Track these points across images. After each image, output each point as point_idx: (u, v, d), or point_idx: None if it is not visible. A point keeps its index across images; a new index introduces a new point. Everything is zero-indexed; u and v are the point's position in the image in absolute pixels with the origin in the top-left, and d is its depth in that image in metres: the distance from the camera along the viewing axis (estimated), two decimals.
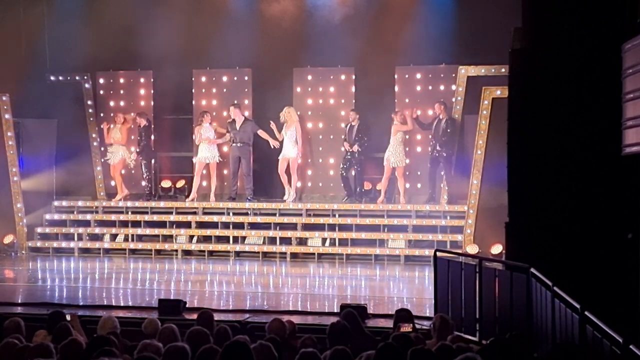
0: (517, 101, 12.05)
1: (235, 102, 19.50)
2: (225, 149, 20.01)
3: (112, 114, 20.51)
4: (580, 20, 11.38)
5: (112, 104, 20.84)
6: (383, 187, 18.87)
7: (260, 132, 19.23)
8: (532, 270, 9.86)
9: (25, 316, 10.07)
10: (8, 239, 18.67)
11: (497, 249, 16.51)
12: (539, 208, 11.60)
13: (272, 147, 19.20)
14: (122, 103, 20.79)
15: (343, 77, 19.77)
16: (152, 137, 20.11)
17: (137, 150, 19.86)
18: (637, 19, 10.37)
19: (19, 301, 13.55)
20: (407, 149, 18.85)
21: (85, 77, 20.73)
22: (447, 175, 18.56)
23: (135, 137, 20.03)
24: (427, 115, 19.06)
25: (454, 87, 18.79)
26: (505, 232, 12.07)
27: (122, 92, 20.82)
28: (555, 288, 9.19)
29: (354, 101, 19.59)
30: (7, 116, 19.25)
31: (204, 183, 19.87)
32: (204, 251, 18.61)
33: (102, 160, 20.36)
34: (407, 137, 18.87)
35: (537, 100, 11.72)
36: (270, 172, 19.52)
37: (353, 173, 19.10)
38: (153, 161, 20.13)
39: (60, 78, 20.84)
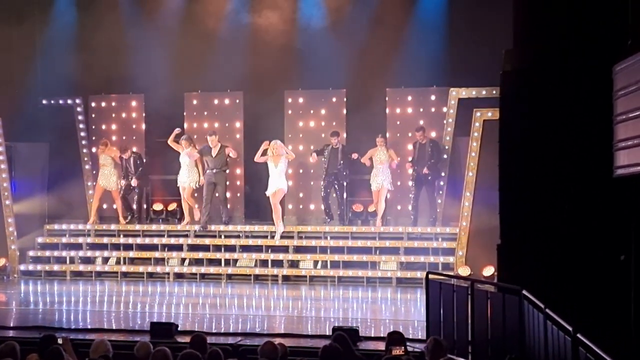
0: (508, 123, 12.09)
1: (213, 132, 19.39)
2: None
3: (103, 138, 20.51)
4: (571, 42, 11.44)
5: (104, 127, 20.85)
6: (379, 211, 18.79)
7: (233, 154, 19.20)
8: (524, 292, 9.86)
9: (17, 340, 10.01)
10: (0, 262, 18.61)
11: (489, 271, 16.50)
12: (530, 230, 11.62)
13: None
14: (114, 126, 20.80)
15: (334, 99, 19.81)
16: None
17: (136, 176, 19.68)
18: (627, 41, 10.42)
19: (11, 325, 13.48)
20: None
21: (77, 101, 20.74)
22: (431, 199, 18.62)
23: (125, 165, 19.77)
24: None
25: (445, 109, 18.83)
26: (497, 254, 12.07)
27: (114, 115, 20.83)
28: (547, 310, 9.19)
29: (344, 123, 19.61)
30: None
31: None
32: (195, 274, 18.57)
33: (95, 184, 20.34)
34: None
35: (528, 122, 11.75)
36: (261, 195, 19.51)
37: (334, 195, 19.05)
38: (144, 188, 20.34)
39: (52, 102, 20.85)
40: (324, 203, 19.10)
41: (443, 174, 18.79)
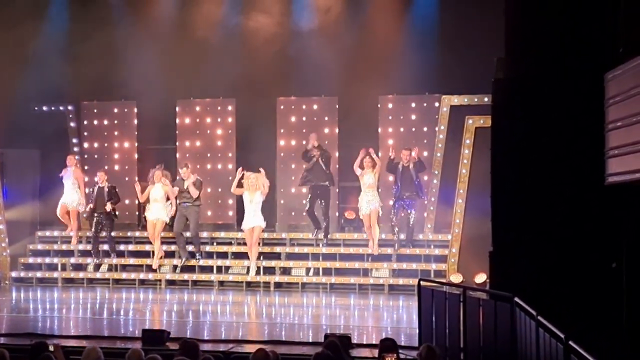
0: (500, 130, 12.09)
1: (185, 164, 18.99)
2: None
3: (95, 145, 20.51)
4: (563, 50, 11.45)
5: (95, 134, 20.81)
6: (374, 236, 18.08)
7: (192, 190, 18.46)
8: (516, 299, 9.85)
9: (8, 347, 10.01)
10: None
11: (481, 278, 16.52)
12: (522, 237, 11.62)
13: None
14: (105, 133, 20.77)
15: (326, 106, 19.80)
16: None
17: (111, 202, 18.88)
18: (619, 49, 10.44)
19: (2, 332, 13.42)
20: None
21: (69, 107, 20.73)
22: (415, 221, 18.13)
23: (97, 192, 18.93)
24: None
25: (437, 117, 18.85)
26: (489, 261, 12.08)
27: (106, 122, 20.80)
28: (539, 317, 9.18)
29: (337, 130, 19.62)
30: None
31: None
32: (187, 281, 18.55)
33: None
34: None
35: (520, 130, 11.76)
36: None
37: (322, 203, 18.49)
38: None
39: (44, 108, 20.83)
40: (310, 217, 18.64)
41: (425, 200, 18.37)
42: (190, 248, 18.71)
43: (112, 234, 18.94)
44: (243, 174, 18.10)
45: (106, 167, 20.09)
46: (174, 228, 18.58)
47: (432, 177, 18.67)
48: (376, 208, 17.87)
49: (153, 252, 18.73)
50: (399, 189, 17.94)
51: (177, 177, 18.96)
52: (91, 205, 18.90)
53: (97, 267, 18.92)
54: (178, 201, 18.56)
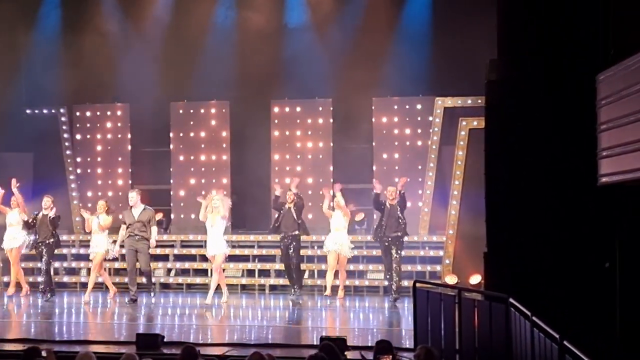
0: (493, 132, 12.11)
1: (135, 189, 17.62)
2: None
3: (88, 147, 20.49)
4: (555, 51, 11.47)
5: (88, 136, 20.79)
6: (342, 280, 17.17)
7: (153, 233, 16.76)
8: (511, 300, 9.86)
9: (1, 353, 9.98)
10: None
11: (475, 279, 16.52)
12: (517, 238, 11.62)
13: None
14: (98, 136, 20.74)
15: (321, 108, 19.80)
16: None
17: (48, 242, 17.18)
18: (610, 50, 10.46)
19: None
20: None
21: (62, 110, 20.70)
22: (398, 257, 16.66)
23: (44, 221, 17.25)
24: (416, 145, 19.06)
25: (430, 118, 18.85)
26: (484, 262, 12.08)
27: (98, 125, 20.79)
28: (534, 318, 9.19)
29: (331, 133, 19.61)
30: None
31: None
32: (182, 284, 18.53)
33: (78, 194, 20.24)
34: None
35: (513, 131, 11.77)
36: (248, 203, 19.50)
37: (292, 253, 17.01)
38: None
39: (36, 111, 20.80)
40: (286, 269, 17.30)
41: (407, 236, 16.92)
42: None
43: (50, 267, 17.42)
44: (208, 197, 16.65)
45: (99, 170, 20.07)
46: (127, 263, 16.87)
47: (427, 178, 18.68)
48: (345, 255, 16.91)
49: None
50: (383, 228, 16.56)
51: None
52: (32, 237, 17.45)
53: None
54: (129, 232, 16.60)
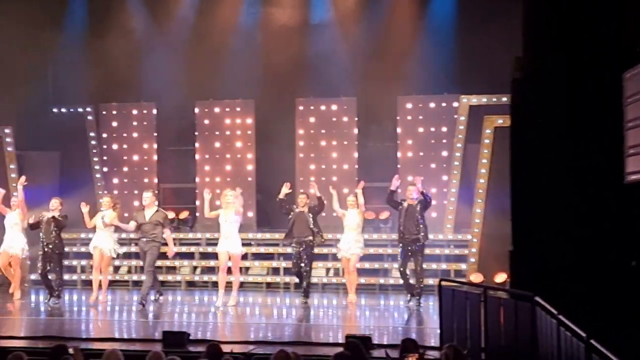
0: (519, 130, 12.06)
1: (151, 189, 17.13)
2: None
3: (115, 146, 20.60)
4: (580, 49, 11.41)
5: (114, 135, 20.89)
6: (350, 282, 16.66)
7: (167, 237, 16.39)
8: (537, 298, 9.82)
9: (28, 350, 10.04)
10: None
11: (501, 277, 16.48)
12: (543, 236, 11.58)
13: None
14: (124, 135, 20.83)
15: (345, 106, 19.80)
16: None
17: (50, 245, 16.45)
18: (637, 47, 10.40)
19: (22, 334, 13.49)
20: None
21: (89, 109, 20.80)
22: (419, 266, 16.08)
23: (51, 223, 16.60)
24: (438, 144, 18.99)
25: (455, 116, 18.81)
26: (509, 261, 12.04)
27: (125, 123, 20.87)
28: (560, 316, 9.15)
29: (356, 131, 19.61)
30: (9, 149, 19.35)
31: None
32: (207, 282, 18.59)
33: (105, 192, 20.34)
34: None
35: (539, 129, 11.72)
36: (273, 201, 19.48)
37: (306, 268, 16.39)
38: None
39: (63, 110, 20.93)
40: (297, 276, 16.63)
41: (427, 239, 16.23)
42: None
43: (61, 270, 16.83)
44: (212, 195, 16.56)
45: (125, 169, 20.17)
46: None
47: (452, 177, 18.64)
48: (357, 253, 16.48)
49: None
50: (401, 229, 15.94)
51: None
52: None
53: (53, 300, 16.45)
54: (139, 234, 16.22)
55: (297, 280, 17.25)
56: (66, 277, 18.90)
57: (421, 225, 15.77)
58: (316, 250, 18.28)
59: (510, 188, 12.04)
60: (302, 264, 16.24)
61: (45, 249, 16.36)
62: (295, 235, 16.25)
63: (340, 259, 16.80)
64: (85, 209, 16.65)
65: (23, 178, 16.91)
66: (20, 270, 17.28)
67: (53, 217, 16.38)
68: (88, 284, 18.80)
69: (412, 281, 16.10)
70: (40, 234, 16.46)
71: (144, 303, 15.76)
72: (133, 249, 19.06)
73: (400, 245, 16.02)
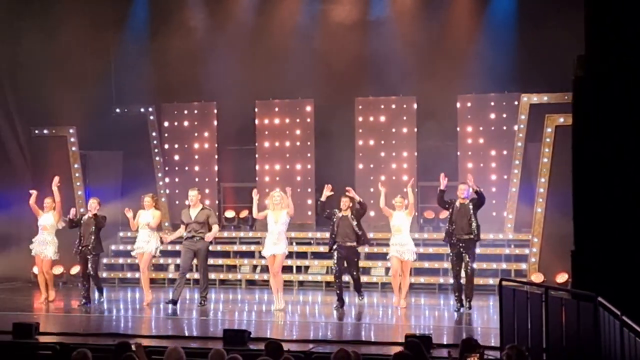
0: (581, 129, 11.93)
1: (197, 188, 16.60)
2: None
3: (176, 145, 20.80)
4: None
5: (176, 134, 21.06)
6: (403, 286, 15.88)
7: (213, 233, 16.09)
8: (600, 299, 9.72)
9: (91, 347, 10.16)
10: (75, 269, 18.85)
11: (562, 277, 16.35)
12: (605, 236, 11.45)
13: None
14: (186, 134, 20.99)
15: (405, 105, 19.75)
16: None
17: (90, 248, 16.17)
18: None
19: (85, 332, 13.64)
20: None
21: (150, 109, 21.00)
22: (468, 267, 15.30)
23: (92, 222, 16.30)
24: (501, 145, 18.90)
25: (516, 115, 18.67)
26: (571, 261, 11.93)
27: (186, 123, 21.03)
28: (624, 317, 9.06)
29: (415, 129, 19.56)
30: (73, 149, 19.64)
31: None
32: (267, 281, 18.63)
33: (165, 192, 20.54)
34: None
35: (602, 128, 11.59)
36: (333, 200, 19.48)
37: (354, 273, 15.95)
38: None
39: (126, 110, 21.14)
40: (336, 284, 15.78)
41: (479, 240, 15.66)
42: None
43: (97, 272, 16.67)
44: (259, 196, 16.15)
45: (186, 168, 20.36)
46: (181, 265, 16.09)
47: (512, 176, 18.52)
48: (408, 260, 15.74)
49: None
50: (452, 229, 15.27)
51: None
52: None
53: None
54: (186, 233, 15.95)
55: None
56: (128, 275, 19.15)
57: (474, 225, 15.14)
58: (375, 250, 18.36)
59: (572, 187, 11.93)
60: (354, 272, 15.82)
61: (82, 249, 16.14)
62: (338, 241, 15.57)
63: (389, 259, 16.10)
64: (129, 214, 16.42)
65: (57, 179, 16.64)
66: (50, 274, 16.74)
67: (95, 215, 16.20)
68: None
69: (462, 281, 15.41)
70: (79, 233, 16.22)
71: (203, 302, 15.78)
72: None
73: (451, 246, 15.32)
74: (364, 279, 18.14)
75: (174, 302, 15.58)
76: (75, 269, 18.73)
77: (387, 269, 18.28)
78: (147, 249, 16.20)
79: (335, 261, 15.61)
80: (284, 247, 15.61)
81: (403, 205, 15.74)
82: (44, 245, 16.51)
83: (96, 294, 16.50)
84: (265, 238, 15.77)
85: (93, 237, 16.08)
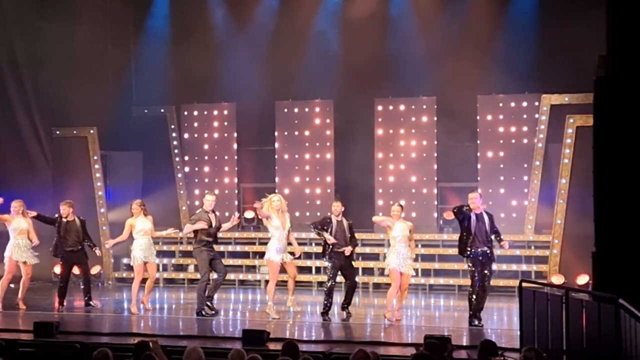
0: (602, 129, 11.88)
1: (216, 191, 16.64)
2: None
3: (196, 146, 20.85)
4: None
5: (196, 135, 21.10)
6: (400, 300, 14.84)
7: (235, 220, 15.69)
8: (621, 301, 9.67)
9: (111, 346, 10.19)
10: (95, 269, 18.91)
11: (583, 279, 16.27)
12: (627, 237, 11.40)
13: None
14: (205, 134, 21.02)
15: (425, 106, 19.70)
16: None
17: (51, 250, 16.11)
18: None
19: (106, 331, 13.70)
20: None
21: (170, 110, 21.04)
22: (489, 274, 14.23)
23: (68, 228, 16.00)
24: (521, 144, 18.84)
25: (537, 116, 18.60)
26: (592, 262, 11.87)
27: (205, 123, 21.06)
28: None
29: (435, 130, 19.51)
30: (94, 149, 19.66)
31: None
32: (286, 281, 18.62)
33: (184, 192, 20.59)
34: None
35: (622, 129, 11.54)
36: (351, 201, 19.48)
37: (355, 280, 15.38)
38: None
39: (146, 111, 21.20)
40: (330, 296, 14.86)
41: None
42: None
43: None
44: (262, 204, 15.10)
45: (206, 169, 20.41)
46: (201, 270, 15.19)
47: (533, 177, 18.45)
48: (408, 273, 14.65)
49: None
50: (470, 241, 14.02)
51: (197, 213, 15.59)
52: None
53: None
54: (208, 239, 15.18)
55: (375, 280, 17.22)
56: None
57: (490, 237, 14.07)
58: None
59: (592, 188, 11.87)
60: (354, 278, 15.25)
61: (70, 255, 15.91)
62: (337, 247, 14.87)
63: (389, 270, 14.77)
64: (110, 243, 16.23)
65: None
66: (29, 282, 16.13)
67: (74, 221, 15.88)
68: (169, 282, 19.04)
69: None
70: (67, 237, 15.87)
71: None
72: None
73: (468, 259, 14.11)
74: (383, 279, 18.16)
75: (215, 310, 15.08)
76: (96, 269, 18.84)
77: None
78: (153, 258, 15.70)
79: (333, 269, 14.86)
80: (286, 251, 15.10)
81: (400, 213, 14.69)
82: (25, 252, 15.84)
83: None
84: (272, 243, 15.00)
85: (78, 241, 15.89)
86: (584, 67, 14.08)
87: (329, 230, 14.83)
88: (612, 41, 11.89)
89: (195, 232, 15.07)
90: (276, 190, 19.92)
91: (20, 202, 15.92)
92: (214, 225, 15.13)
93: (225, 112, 21.01)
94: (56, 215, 16.17)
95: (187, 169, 20.98)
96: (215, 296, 15.44)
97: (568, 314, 10.57)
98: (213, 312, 14.95)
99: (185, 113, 21.21)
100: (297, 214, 19.40)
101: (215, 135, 21.00)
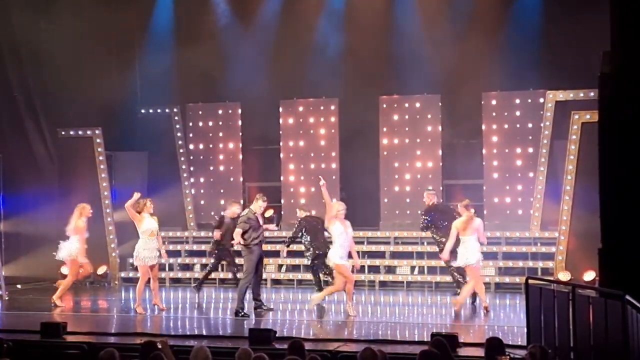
0: (607, 126, 11.84)
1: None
2: None
3: (201, 146, 20.85)
4: None
5: (200, 135, 21.11)
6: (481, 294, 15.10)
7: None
8: (628, 297, 9.65)
9: (118, 346, 10.20)
10: (101, 269, 18.96)
11: (589, 275, 16.26)
12: (633, 233, 11.36)
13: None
14: (210, 134, 21.04)
15: (429, 103, 19.69)
16: None
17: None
18: None
19: (113, 331, 13.71)
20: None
21: (175, 110, 21.06)
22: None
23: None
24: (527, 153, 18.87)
25: (542, 112, 18.58)
26: (598, 259, 11.85)
27: (210, 123, 21.08)
28: None
29: (440, 128, 19.50)
30: (99, 149, 19.70)
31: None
32: (292, 280, 18.67)
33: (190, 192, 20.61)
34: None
35: (628, 125, 11.50)
36: (358, 199, 19.49)
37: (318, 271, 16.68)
38: None
39: (151, 111, 21.22)
40: (313, 274, 16.86)
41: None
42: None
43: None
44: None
45: (211, 168, 20.45)
46: (249, 270, 15.24)
47: (538, 173, 18.44)
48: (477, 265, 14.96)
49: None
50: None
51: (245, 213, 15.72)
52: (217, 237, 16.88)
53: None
54: (256, 240, 15.37)
55: (381, 278, 17.23)
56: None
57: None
58: (401, 249, 18.36)
59: (598, 184, 11.85)
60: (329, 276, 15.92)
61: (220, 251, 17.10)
62: (319, 247, 16.02)
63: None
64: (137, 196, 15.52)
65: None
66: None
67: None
68: (175, 281, 19.05)
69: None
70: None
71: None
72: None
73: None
74: (389, 277, 18.18)
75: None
76: (102, 269, 18.88)
77: (413, 268, 18.25)
78: (156, 260, 15.50)
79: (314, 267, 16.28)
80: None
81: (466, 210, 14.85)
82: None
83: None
84: (337, 247, 14.71)
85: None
86: (589, 63, 14.06)
87: (312, 232, 16.32)
88: (616, 37, 11.85)
89: (244, 232, 15.14)
90: (282, 189, 19.97)
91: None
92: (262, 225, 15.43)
93: (230, 111, 21.02)
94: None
95: (192, 169, 20.99)
96: (229, 295, 15.51)
97: (575, 310, 10.56)
98: (265, 307, 15.34)
99: (190, 113, 21.24)
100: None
101: (221, 134, 21.01)
